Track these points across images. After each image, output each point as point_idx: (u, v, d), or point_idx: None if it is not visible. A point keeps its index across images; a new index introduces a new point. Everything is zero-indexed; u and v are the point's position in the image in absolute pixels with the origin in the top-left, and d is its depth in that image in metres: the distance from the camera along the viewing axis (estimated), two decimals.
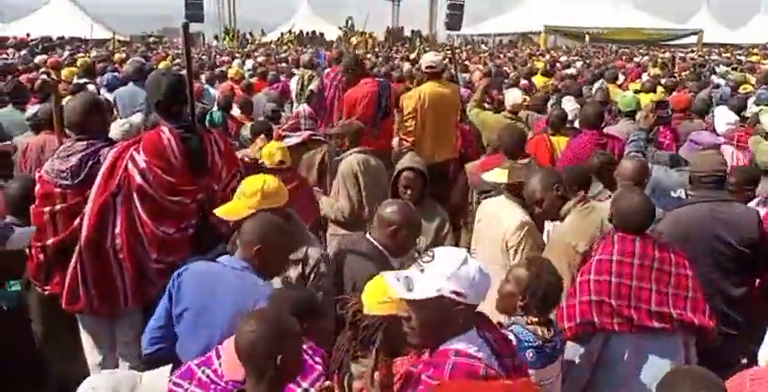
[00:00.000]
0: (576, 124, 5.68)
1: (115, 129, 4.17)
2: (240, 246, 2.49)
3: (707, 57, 20.43)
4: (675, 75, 12.25)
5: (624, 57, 20.43)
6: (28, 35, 21.85)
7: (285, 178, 4.04)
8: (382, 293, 1.98)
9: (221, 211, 2.73)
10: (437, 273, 1.71)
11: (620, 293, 2.67)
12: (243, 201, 2.71)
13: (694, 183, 3.50)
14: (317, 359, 2.08)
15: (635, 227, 2.75)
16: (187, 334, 2.43)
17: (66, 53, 15.26)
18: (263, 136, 5.10)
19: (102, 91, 7.76)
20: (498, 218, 3.47)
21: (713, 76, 11.88)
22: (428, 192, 3.63)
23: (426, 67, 5.74)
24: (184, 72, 3.29)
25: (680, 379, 1.77)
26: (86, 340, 3.07)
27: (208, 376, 2.07)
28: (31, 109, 5.09)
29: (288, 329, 1.81)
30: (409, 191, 3.51)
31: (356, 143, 4.45)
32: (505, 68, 13.12)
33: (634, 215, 2.75)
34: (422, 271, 1.73)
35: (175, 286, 2.47)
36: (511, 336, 2.33)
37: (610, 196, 3.58)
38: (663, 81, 9.94)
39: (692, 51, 25.38)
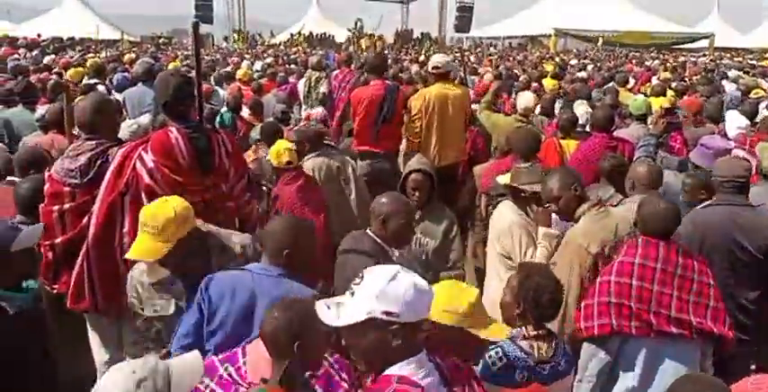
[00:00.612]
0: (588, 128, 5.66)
1: (123, 130, 4.18)
2: (267, 253, 2.40)
3: (718, 62, 20.31)
4: (686, 79, 12.18)
5: (634, 61, 20.34)
6: (39, 36, 21.98)
7: (292, 176, 4.10)
8: (446, 301, 2.00)
9: (134, 254, 2.42)
10: (365, 295, 1.59)
11: (640, 297, 2.65)
12: (156, 238, 2.35)
13: (715, 187, 3.48)
14: (344, 375, 2.04)
15: (659, 232, 2.74)
16: (227, 346, 2.25)
17: (77, 54, 15.36)
18: (254, 147, 5.14)
19: (112, 91, 7.80)
20: (492, 223, 3.48)
21: (724, 81, 11.81)
22: (436, 195, 3.62)
23: (432, 68, 5.73)
24: (194, 72, 3.29)
25: (689, 386, 1.75)
26: (93, 338, 3.08)
27: (230, 375, 2.02)
28: (41, 109, 5.12)
29: (308, 318, 1.83)
30: (417, 193, 3.51)
31: (315, 148, 4.55)
32: (516, 71, 13.09)
33: (659, 220, 2.74)
34: (352, 294, 1.62)
35: (206, 299, 2.34)
36: (500, 354, 2.30)
37: (621, 201, 3.56)
38: (673, 85, 9.89)
39: (704, 55, 25.25)
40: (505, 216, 3.43)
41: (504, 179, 3.62)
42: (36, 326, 2.43)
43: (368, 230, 2.93)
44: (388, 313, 1.57)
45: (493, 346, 2.35)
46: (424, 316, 1.66)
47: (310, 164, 4.41)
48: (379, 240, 2.83)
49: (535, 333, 2.39)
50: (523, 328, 2.41)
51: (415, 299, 1.60)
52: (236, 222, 3.17)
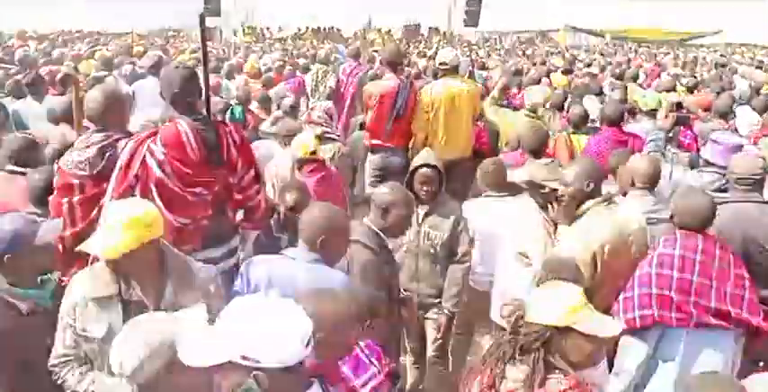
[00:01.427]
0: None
1: (134, 124, 4.19)
2: (302, 239, 2.50)
3: (729, 57, 20.13)
4: (696, 74, 12.09)
5: (643, 57, 20.19)
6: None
7: (314, 167, 4.15)
8: (567, 304, 1.97)
9: (89, 248, 2.20)
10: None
11: (681, 287, 2.66)
12: (119, 234, 2.13)
13: (730, 184, 3.49)
14: (374, 359, 2.10)
15: (697, 224, 2.75)
16: None
17: (85, 46, 15.39)
18: None
19: (122, 83, 7.82)
20: (518, 223, 3.45)
21: (735, 76, 11.71)
22: (444, 189, 3.63)
23: (439, 64, 5.72)
24: (200, 65, 3.29)
25: (705, 381, 1.75)
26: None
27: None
28: (49, 100, 5.13)
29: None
30: (425, 188, 3.53)
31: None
32: (525, 65, 13.02)
33: (696, 213, 2.75)
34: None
35: (245, 282, 2.45)
36: None
37: (611, 196, 3.50)
38: (684, 81, 9.81)
39: (715, 51, 25.03)
40: (523, 213, 3.40)
41: (521, 175, 3.59)
42: (54, 323, 2.43)
43: (364, 219, 3.01)
44: (244, 358, 1.52)
45: None
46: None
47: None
48: (374, 228, 2.94)
49: None
50: None
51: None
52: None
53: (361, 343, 2.09)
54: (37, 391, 2.34)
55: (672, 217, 2.87)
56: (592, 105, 6.63)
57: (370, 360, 2.09)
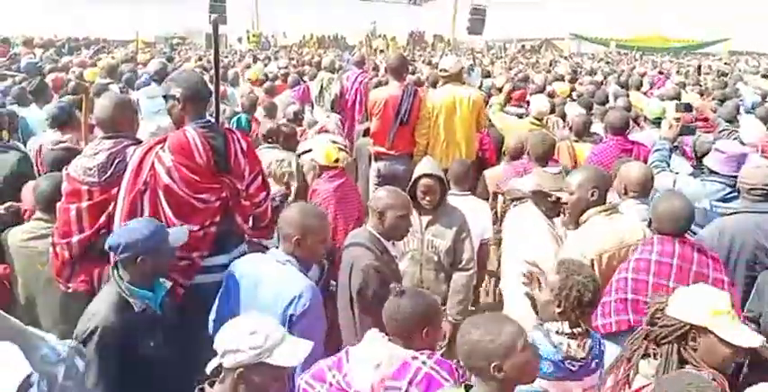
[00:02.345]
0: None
1: (143, 131, 4.22)
2: (281, 240, 2.57)
3: (733, 66, 20.13)
4: (701, 83, 12.09)
5: (647, 65, 20.20)
6: (55, 36, 22.16)
7: (335, 174, 4.33)
8: (712, 306, 2.00)
9: None
10: None
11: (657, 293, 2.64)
12: None
13: (742, 194, 3.48)
14: (445, 374, 2.08)
15: (674, 229, 2.76)
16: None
17: (91, 53, 15.48)
18: None
19: (130, 91, 7.88)
20: (511, 227, 3.47)
21: (740, 85, 11.71)
22: (446, 197, 3.65)
23: (441, 71, 5.75)
24: (208, 73, 3.31)
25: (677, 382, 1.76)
26: None
27: (338, 382, 2.10)
28: (49, 107, 5.12)
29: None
30: (428, 197, 3.54)
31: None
32: (530, 72, 13.04)
33: (674, 219, 2.76)
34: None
35: (228, 279, 2.62)
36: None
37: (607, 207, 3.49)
38: (688, 89, 9.82)
39: (720, 59, 25.03)
40: (529, 220, 3.41)
41: (526, 183, 3.60)
42: (159, 324, 2.58)
43: (367, 225, 3.07)
44: None
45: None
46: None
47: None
48: (375, 233, 2.97)
49: (570, 331, 2.35)
50: (560, 324, 2.37)
51: None
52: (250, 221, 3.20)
53: (429, 361, 2.09)
54: (136, 386, 2.50)
55: (650, 222, 2.87)
56: (576, 113, 6.61)
57: (441, 376, 2.07)
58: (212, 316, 2.73)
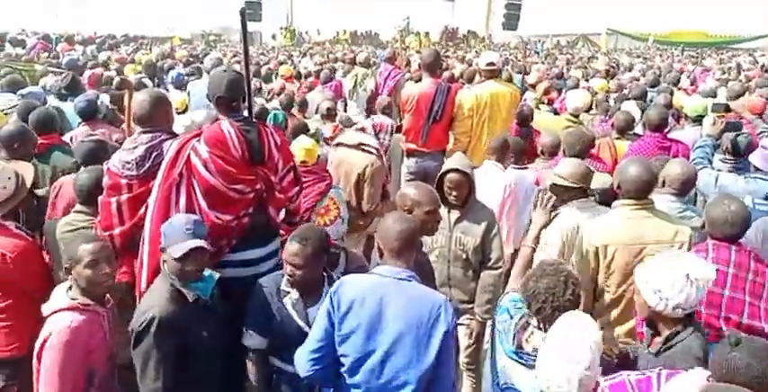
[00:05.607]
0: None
1: (177, 124, 4.28)
2: (391, 256, 2.35)
3: None
4: (742, 80, 11.73)
5: (686, 60, 19.73)
6: (95, 33, 22.69)
7: (306, 171, 3.79)
8: None
9: None
10: None
11: (711, 302, 2.57)
12: None
13: None
14: None
15: (730, 235, 2.65)
16: (355, 353, 2.31)
17: (130, 49, 15.81)
18: None
19: (170, 87, 8.02)
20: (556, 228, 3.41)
21: None
22: (475, 194, 3.54)
23: (486, 65, 5.64)
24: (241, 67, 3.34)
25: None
26: None
27: None
28: (77, 101, 5.23)
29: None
30: (454, 193, 3.47)
31: None
32: (564, 70, 12.86)
33: (729, 224, 2.64)
34: None
35: (335, 305, 2.31)
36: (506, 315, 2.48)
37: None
38: (729, 85, 9.54)
39: (763, 55, 24.28)
40: (574, 222, 3.33)
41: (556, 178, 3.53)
42: (211, 314, 2.66)
43: None
44: None
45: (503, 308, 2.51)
46: None
47: None
48: None
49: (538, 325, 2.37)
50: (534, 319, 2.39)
51: None
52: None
53: None
54: (190, 374, 2.58)
55: (703, 226, 2.77)
56: (635, 111, 6.50)
57: None
58: (318, 335, 2.39)
